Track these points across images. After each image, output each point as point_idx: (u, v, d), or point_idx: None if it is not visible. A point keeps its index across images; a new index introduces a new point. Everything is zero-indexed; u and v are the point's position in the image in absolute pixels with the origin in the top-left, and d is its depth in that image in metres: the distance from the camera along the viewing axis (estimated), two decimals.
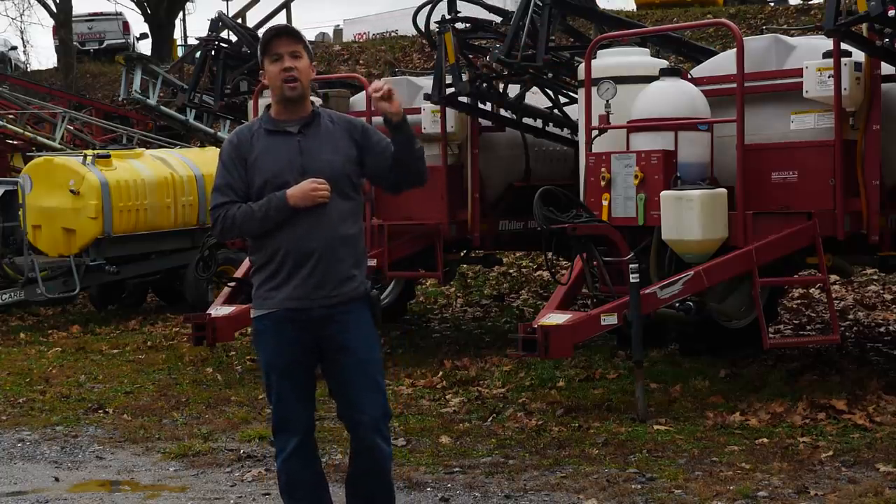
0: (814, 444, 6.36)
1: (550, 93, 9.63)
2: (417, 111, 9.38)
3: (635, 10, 22.75)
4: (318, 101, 8.75)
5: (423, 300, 12.99)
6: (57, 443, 7.28)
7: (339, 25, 34.26)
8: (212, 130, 13.20)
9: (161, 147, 15.74)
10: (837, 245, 7.54)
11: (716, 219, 7.14)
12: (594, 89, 7.74)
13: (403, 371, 8.99)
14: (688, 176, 7.26)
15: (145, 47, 29.22)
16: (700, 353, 8.73)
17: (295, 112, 4.38)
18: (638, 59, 8.13)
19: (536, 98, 9.69)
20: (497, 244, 10.39)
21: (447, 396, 8.12)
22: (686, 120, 7.36)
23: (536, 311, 10.40)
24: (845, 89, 7.04)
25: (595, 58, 7.92)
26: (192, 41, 35.21)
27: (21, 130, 16.88)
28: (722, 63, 7.97)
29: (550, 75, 9.29)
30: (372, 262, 8.94)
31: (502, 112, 9.60)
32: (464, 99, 9.15)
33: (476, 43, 9.82)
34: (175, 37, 32.42)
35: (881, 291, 11.25)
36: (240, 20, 21.16)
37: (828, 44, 7.18)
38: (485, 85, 9.24)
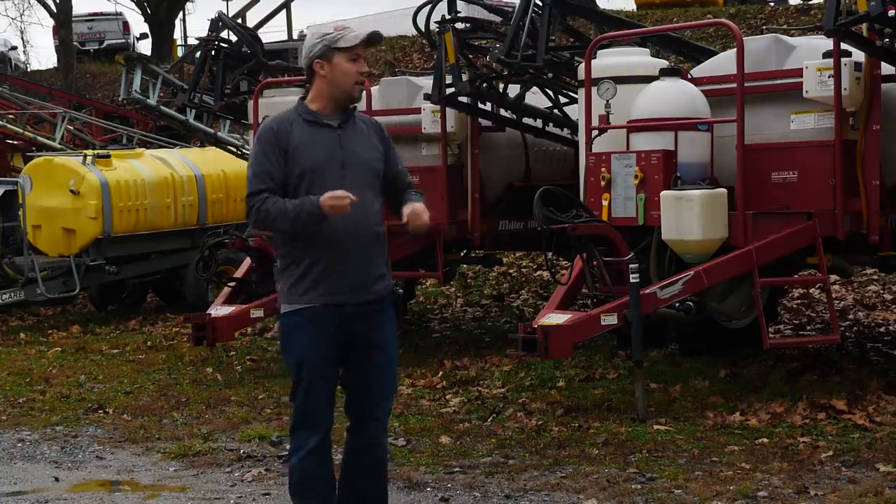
0: (814, 444, 6.36)
1: (550, 93, 9.62)
2: (417, 111, 9.39)
3: (635, 10, 22.71)
4: None
5: (423, 300, 12.98)
6: (57, 443, 7.28)
7: None
8: (212, 130, 13.18)
9: (161, 147, 15.73)
10: (837, 245, 7.53)
11: (716, 219, 7.14)
12: (594, 89, 7.74)
13: (403, 371, 8.96)
14: (688, 176, 7.25)
15: (145, 47, 29.25)
16: (700, 353, 8.73)
17: (338, 108, 4.45)
18: (638, 59, 8.13)
19: (536, 98, 9.68)
20: (497, 244, 10.37)
21: (447, 396, 8.12)
22: (686, 120, 7.36)
23: (536, 311, 10.39)
24: (845, 89, 7.03)
25: (595, 58, 7.91)
26: (192, 41, 35.22)
27: (21, 130, 16.86)
28: (722, 63, 7.97)
29: (550, 75, 9.28)
30: None
31: (502, 112, 9.59)
32: (464, 99, 9.14)
33: (476, 43, 9.82)
34: (175, 37, 32.45)
35: (881, 291, 11.24)
36: (240, 20, 21.18)
37: (828, 44, 7.18)
38: (485, 85, 9.23)
